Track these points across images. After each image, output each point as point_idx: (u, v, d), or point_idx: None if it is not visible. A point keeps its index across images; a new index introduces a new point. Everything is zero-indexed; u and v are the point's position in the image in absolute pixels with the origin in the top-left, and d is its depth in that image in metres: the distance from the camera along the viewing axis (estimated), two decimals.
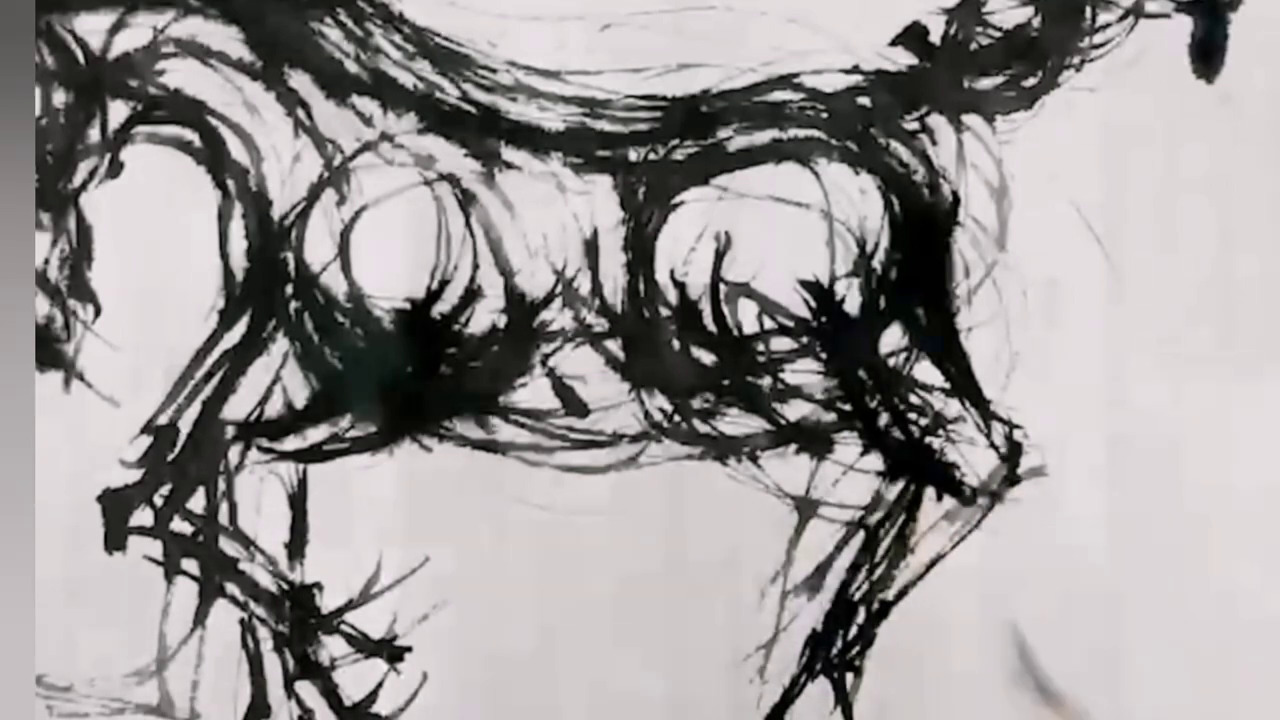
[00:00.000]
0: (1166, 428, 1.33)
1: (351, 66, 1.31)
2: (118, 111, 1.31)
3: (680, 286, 1.32)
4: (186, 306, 1.31)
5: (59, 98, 1.30)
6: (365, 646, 1.32)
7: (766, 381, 1.33)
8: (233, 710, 1.31)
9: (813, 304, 1.32)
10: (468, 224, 1.32)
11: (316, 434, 1.32)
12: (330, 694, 1.32)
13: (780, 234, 1.33)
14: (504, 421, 1.32)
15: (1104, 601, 1.33)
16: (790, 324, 1.33)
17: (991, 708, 1.33)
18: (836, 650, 1.33)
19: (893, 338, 1.33)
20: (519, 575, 1.32)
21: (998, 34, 1.33)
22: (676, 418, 1.32)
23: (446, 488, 1.32)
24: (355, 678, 1.32)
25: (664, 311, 1.32)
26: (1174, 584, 1.33)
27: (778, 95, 1.32)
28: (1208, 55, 1.33)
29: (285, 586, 1.32)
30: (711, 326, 1.32)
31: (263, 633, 1.32)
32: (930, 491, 1.33)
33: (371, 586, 1.32)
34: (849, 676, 1.33)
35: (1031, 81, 1.33)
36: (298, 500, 1.32)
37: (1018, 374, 1.33)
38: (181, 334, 1.31)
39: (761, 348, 1.33)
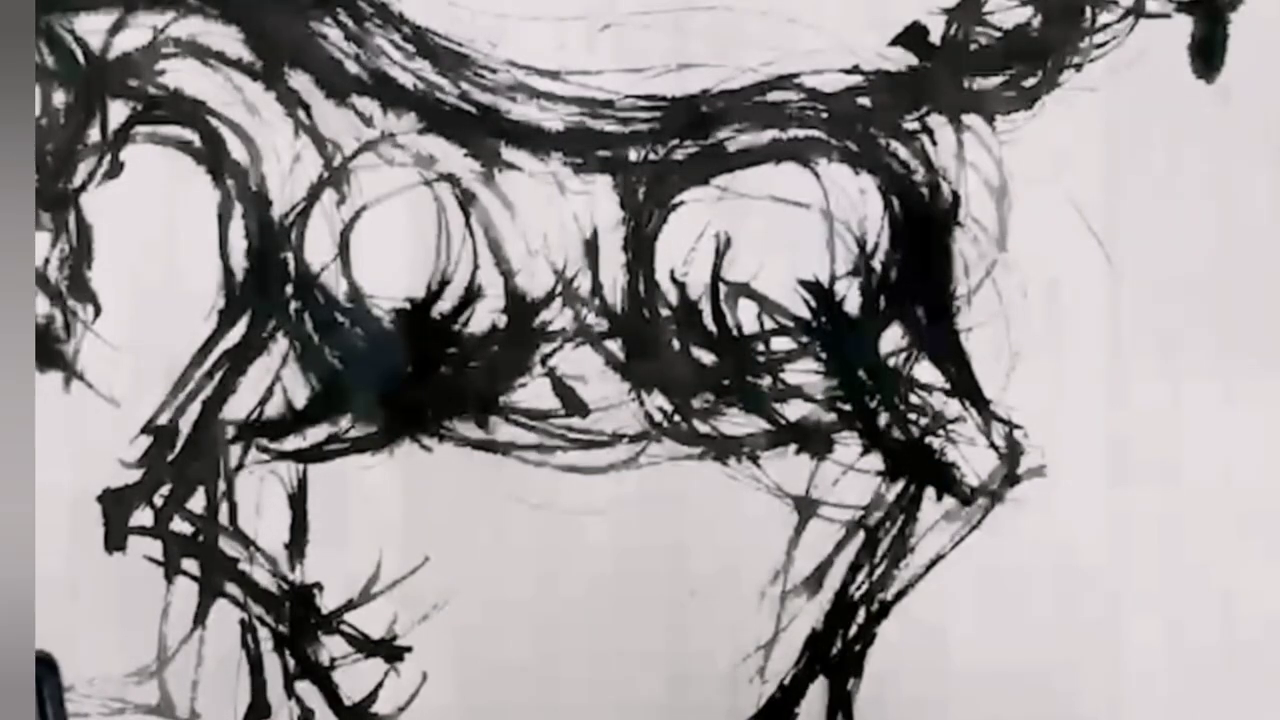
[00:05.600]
0: (1166, 428, 1.33)
1: (351, 66, 1.31)
2: (118, 111, 1.31)
3: (680, 286, 1.32)
4: (186, 306, 1.31)
5: (59, 98, 1.30)
6: (365, 646, 1.32)
7: (766, 381, 1.33)
8: (233, 710, 1.31)
9: (813, 304, 1.32)
10: (468, 224, 1.32)
11: (316, 434, 1.32)
12: (330, 694, 1.32)
13: (780, 234, 1.33)
14: (504, 421, 1.32)
15: (1104, 601, 1.33)
16: (790, 324, 1.33)
17: (992, 708, 1.33)
18: (836, 650, 1.33)
19: (893, 338, 1.33)
20: (519, 575, 1.32)
21: (998, 34, 1.33)
22: (676, 418, 1.32)
23: (446, 488, 1.32)
24: (355, 678, 1.32)
25: (664, 311, 1.32)
26: (1174, 584, 1.33)
27: (778, 95, 1.32)
28: (1208, 55, 1.33)
29: (285, 586, 1.32)
30: (711, 326, 1.32)
31: (263, 633, 1.32)
32: (930, 491, 1.33)
33: (371, 586, 1.32)
34: (849, 676, 1.33)
35: (1031, 81, 1.33)
36: (298, 500, 1.32)
37: (1018, 374, 1.33)
38: (181, 334, 1.31)
39: (761, 348, 1.33)
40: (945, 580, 1.33)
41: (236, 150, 1.31)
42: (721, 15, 1.32)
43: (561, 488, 1.32)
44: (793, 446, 1.33)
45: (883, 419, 1.33)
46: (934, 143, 1.33)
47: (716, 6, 1.32)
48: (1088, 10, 1.33)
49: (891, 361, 1.33)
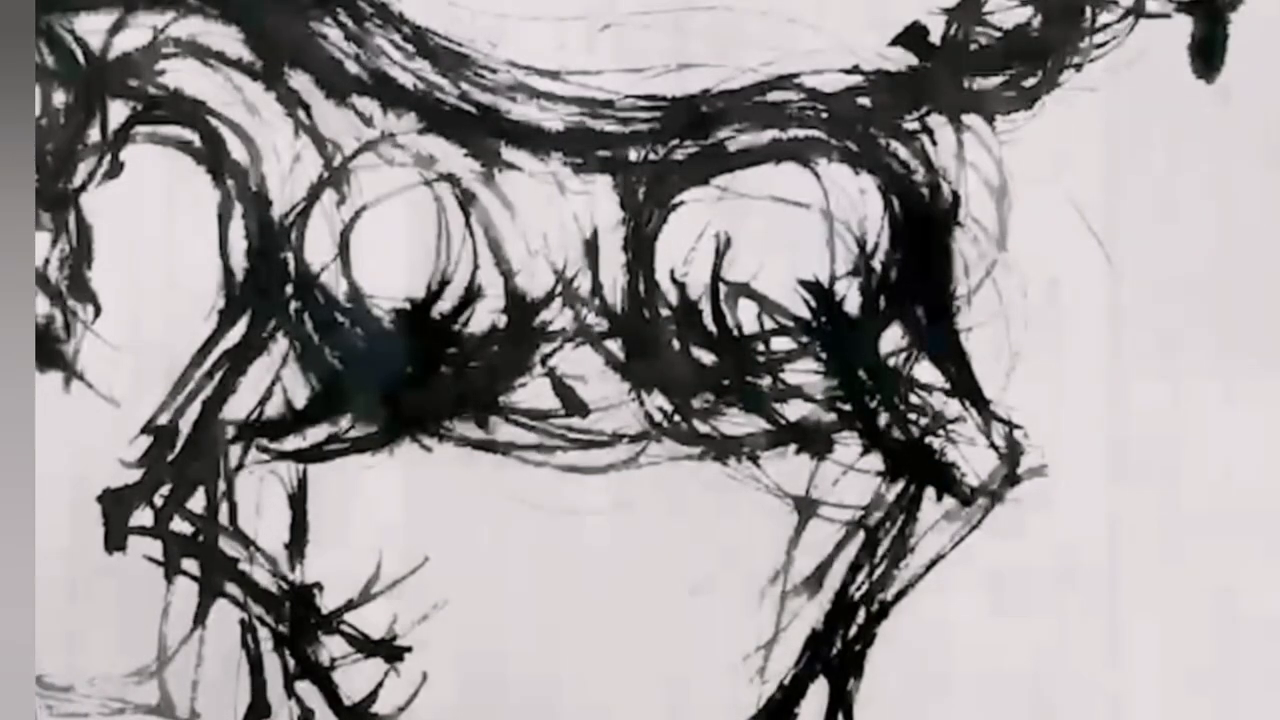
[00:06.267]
0: (1166, 428, 1.33)
1: (351, 66, 1.31)
2: (118, 111, 1.31)
3: (680, 286, 1.32)
4: (186, 306, 1.31)
5: (59, 98, 1.30)
6: (365, 646, 1.32)
7: (766, 381, 1.33)
8: (233, 710, 1.31)
9: (813, 304, 1.33)
10: (468, 224, 1.32)
11: (316, 434, 1.32)
12: (330, 694, 1.32)
13: (780, 234, 1.33)
14: (504, 421, 1.32)
15: (1104, 601, 1.33)
16: (790, 324, 1.33)
17: (992, 708, 1.33)
18: (836, 650, 1.33)
19: (893, 338, 1.33)
20: (519, 575, 1.32)
21: (998, 34, 1.33)
22: (676, 418, 1.32)
23: (446, 488, 1.32)
24: (355, 678, 1.32)
25: (664, 311, 1.32)
26: (1174, 584, 1.33)
27: (778, 95, 1.32)
28: (1208, 55, 1.33)
29: (285, 586, 1.32)
30: (711, 326, 1.32)
31: (263, 633, 1.32)
32: (930, 491, 1.33)
33: (371, 586, 1.32)
34: (849, 677, 1.33)
35: (1031, 81, 1.33)
36: (298, 500, 1.32)
37: (1018, 374, 1.33)
38: (181, 334, 1.31)
39: (761, 348, 1.33)
40: (945, 580, 1.33)
41: (236, 150, 1.31)
42: (721, 15, 1.32)
43: (561, 488, 1.32)
44: (793, 446, 1.33)
45: (883, 419, 1.33)
46: (934, 143, 1.33)
47: (716, 6, 1.32)
48: (1088, 10, 1.33)
49: (891, 361, 1.33)
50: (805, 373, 1.33)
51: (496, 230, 1.32)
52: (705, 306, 1.32)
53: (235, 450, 1.32)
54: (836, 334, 1.33)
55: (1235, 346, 1.34)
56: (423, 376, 1.32)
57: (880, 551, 1.33)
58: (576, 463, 1.32)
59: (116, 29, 1.30)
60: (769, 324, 1.33)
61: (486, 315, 1.32)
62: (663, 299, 1.32)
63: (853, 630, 1.33)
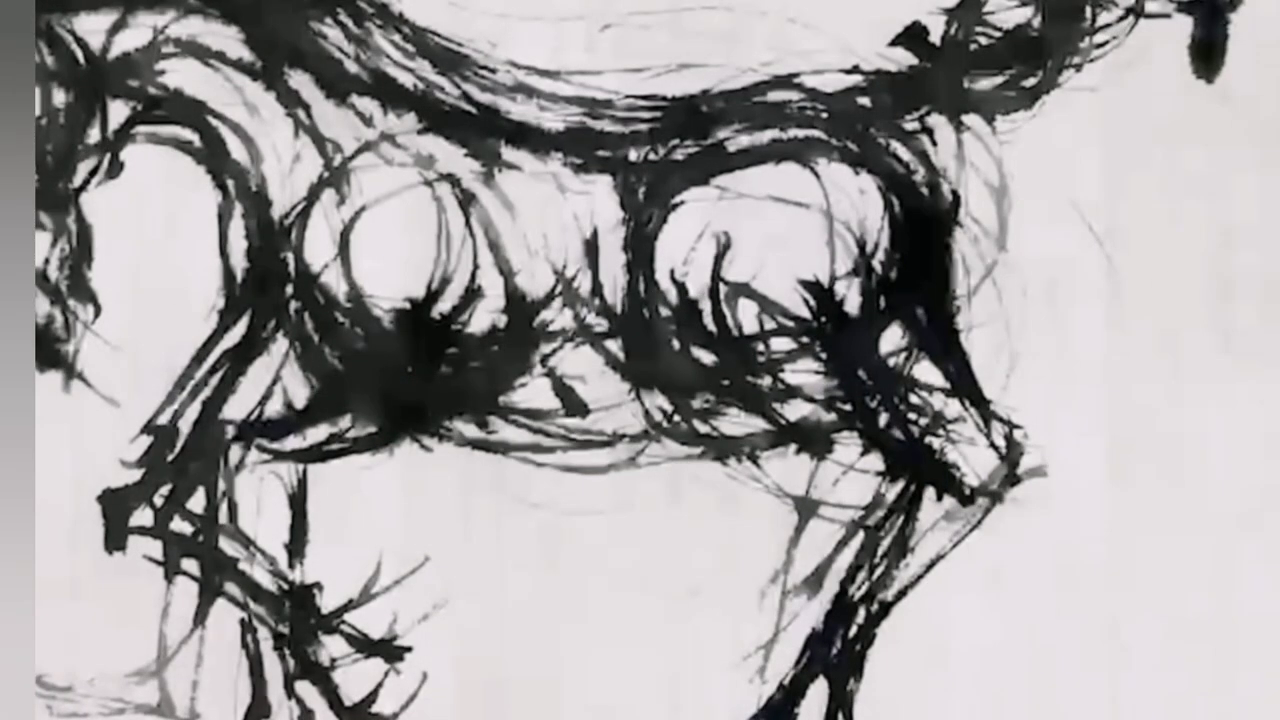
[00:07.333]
0: (1166, 428, 1.33)
1: (351, 66, 1.31)
2: (118, 111, 1.31)
3: (680, 286, 1.32)
4: (186, 306, 1.31)
5: (59, 98, 1.30)
6: (365, 646, 1.32)
7: (766, 381, 1.33)
8: (233, 710, 1.31)
9: (813, 304, 1.33)
10: (468, 224, 1.32)
11: (316, 434, 1.32)
12: (330, 694, 1.32)
13: (780, 234, 1.33)
14: (504, 421, 1.32)
15: (1104, 601, 1.33)
16: (790, 324, 1.33)
17: (992, 708, 1.33)
18: (836, 650, 1.33)
19: (893, 338, 1.33)
20: (519, 575, 1.32)
21: (998, 34, 1.33)
22: (676, 418, 1.32)
23: (446, 488, 1.32)
24: (355, 678, 1.32)
25: (664, 311, 1.32)
26: (1174, 584, 1.33)
27: (778, 95, 1.32)
28: (1208, 55, 1.33)
29: (285, 586, 1.32)
30: (711, 326, 1.32)
31: (263, 633, 1.32)
32: (930, 491, 1.33)
33: (371, 586, 1.32)
34: (849, 677, 1.33)
35: (1031, 81, 1.33)
36: (298, 500, 1.32)
37: (1018, 374, 1.33)
38: (181, 334, 1.31)
39: (761, 348, 1.33)
40: (945, 580, 1.33)
41: (236, 150, 1.31)
42: (721, 15, 1.32)
43: (561, 488, 1.32)
44: (793, 446, 1.33)
45: (883, 419, 1.33)
46: (934, 143, 1.33)
47: (716, 6, 1.32)
48: (1088, 10, 1.33)
49: (891, 361, 1.33)
50: (805, 373, 1.33)
51: (496, 230, 1.32)
52: (705, 306, 1.32)
53: (235, 450, 1.32)
54: (836, 334, 1.33)
55: (1235, 346, 1.34)
56: (423, 376, 1.32)
57: (880, 551, 1.33)
58: (576, 463, 1.32)
59: (116, 29, 1.30)
60: (769, 324, 1.33)
61: (486, 315, 1.32)
62: (663, 299, 1.32)
63: (853, 630, 1.33)
